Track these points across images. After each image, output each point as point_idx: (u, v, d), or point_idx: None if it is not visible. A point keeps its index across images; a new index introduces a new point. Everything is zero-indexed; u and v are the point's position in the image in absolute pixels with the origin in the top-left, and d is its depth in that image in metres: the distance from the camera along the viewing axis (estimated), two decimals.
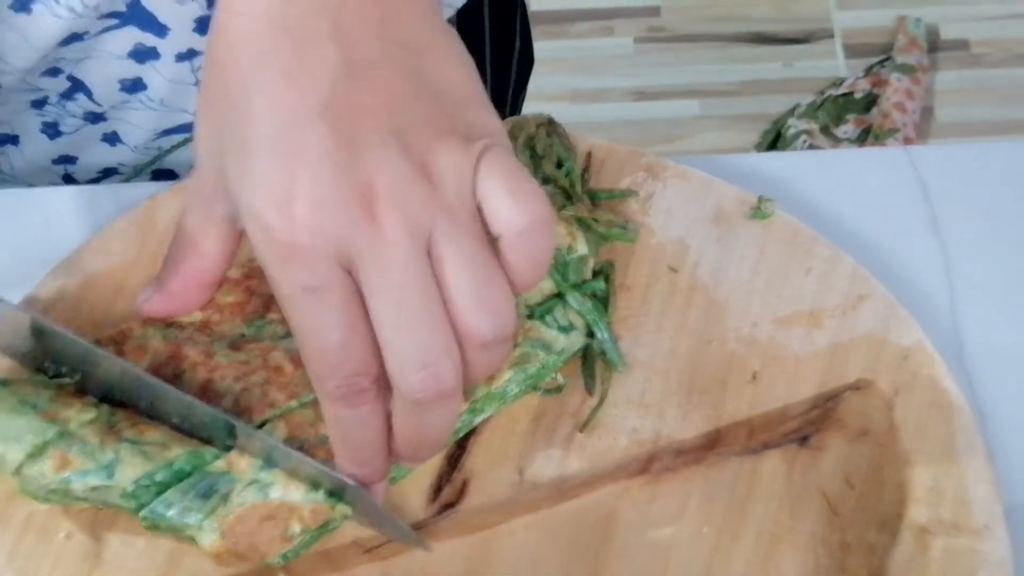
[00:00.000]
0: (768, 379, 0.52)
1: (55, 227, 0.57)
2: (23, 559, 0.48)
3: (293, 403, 0.48)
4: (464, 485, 0.49)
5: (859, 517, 0.49)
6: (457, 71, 0.43)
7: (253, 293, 0.51)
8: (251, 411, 0.48)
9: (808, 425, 0.51)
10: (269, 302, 0.51)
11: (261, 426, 0.48)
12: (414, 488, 0.49)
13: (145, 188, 0.58)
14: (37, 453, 0.47)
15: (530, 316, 0.51)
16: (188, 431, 0.48)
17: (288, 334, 0.50)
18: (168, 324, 0.51)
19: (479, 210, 0.42)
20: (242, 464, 0.47)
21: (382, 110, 0.41)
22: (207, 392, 0.48)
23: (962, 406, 0.51)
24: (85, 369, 0.49)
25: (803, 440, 0.51)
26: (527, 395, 0.51)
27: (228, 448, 0.47)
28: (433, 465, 0.50)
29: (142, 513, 0.47)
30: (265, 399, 0.48)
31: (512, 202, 0.41)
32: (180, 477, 0.47)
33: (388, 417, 0.44)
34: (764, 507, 0.49)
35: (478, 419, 0.50)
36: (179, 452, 0.47)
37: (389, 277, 0.40)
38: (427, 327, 0.41)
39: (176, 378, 0.49)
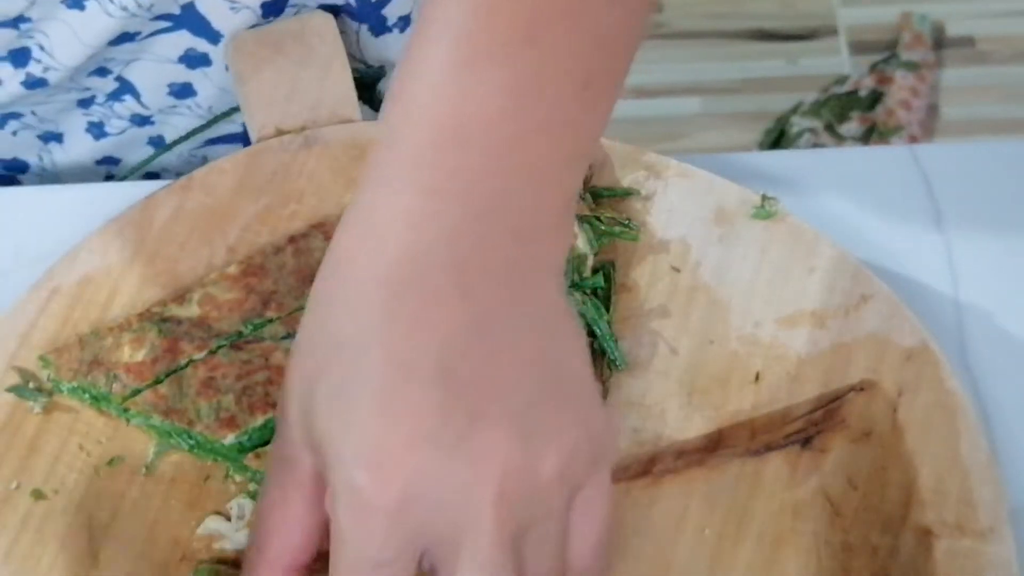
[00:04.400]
0: (770, 380, 0.51)
1: (53, 226, 0.56)
2: (19, 560, 0.48)
3: None
4: None
5: (862, 518, 0.49)
6: (578, 358, 0.40)
7: (252, 290, 0.51)
8: (253, 410, 0.48)
9: (811, 426, 0.51)
10: (268, 299, 0.51)
11: (263, 428, 0.48)
12: None
13: (142, 188, 0.57)
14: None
15: None
16: None
17: (289, 335, 0.50)
18: (164, 319, 0.51)
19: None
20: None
21: (506, 386, 0.38)
22: (208, 389, 0.48)
23: (966, 407, 0.50)
24: None
25: (806, 442, 0.50)
26: None
27: None
28: None
29: None
30: (267, 399, 0.48)
31: (594, 552, 0.40)
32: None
33: None
34: (766, 509, 0.49)
35: None
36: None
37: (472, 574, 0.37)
38: None
39: (175, 374, 0.49)
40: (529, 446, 0.37)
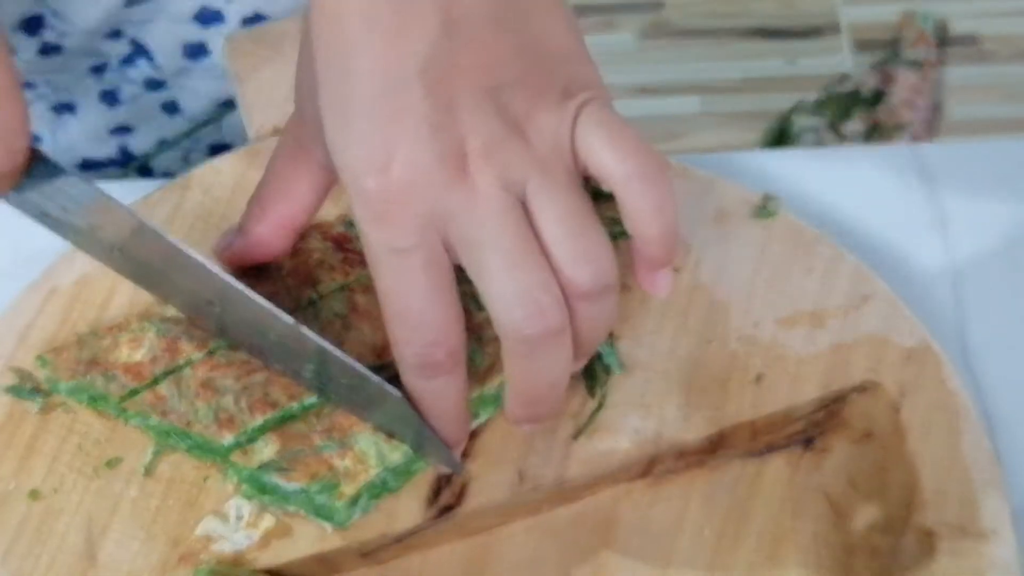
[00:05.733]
0: (771, 380, 0.51)
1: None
2: (17, 560, 0.48)
3: (294, 404, 0.48)
4: (463, 488, 0.49)
5: (863, 519, 0.48)
6: (557, 25, 0.44)
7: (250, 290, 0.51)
8: (252, 411, 0.48)
9: (812, 427, 0.50)
10: (269, 299, 0.51)
11: (262, 428, 0.48)
12: (413, 491, 0.49)
13: (140, 187, 0.57)
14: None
15: None
16: (277, 359, 0.49)
17: None
18: (163, 318, 0.51)
19: (584, 166, 0.43)
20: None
21: (479, 70, 0.42)
22: (207, 390, 0.48)
23: (968, 408, 0.50)
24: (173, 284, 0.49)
25: (807, 442, 0.50)
26: None
27: (320, 389, 0.48)
28: (433, 467, 0.49)
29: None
30: (266, 399, 0.48)
31: (612, 152, 0.43)
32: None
33: (464, 388, 0.46)
34: (766, 509, 0.49)
35: (474, 423, 0.50)
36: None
37: (484, 228, 0.41)
38: (526, 267, 0.41)
39: (174, 375, 0.49)
40: (505, 114, 0.42)
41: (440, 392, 0.45)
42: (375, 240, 0.43)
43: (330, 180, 0.47)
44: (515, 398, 0.45)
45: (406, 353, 0.44)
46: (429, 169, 0.41)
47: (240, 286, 0.47)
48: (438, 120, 0.41)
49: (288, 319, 0.47)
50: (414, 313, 0.43)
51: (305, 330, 0.47)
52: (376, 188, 0.42)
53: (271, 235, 0.49)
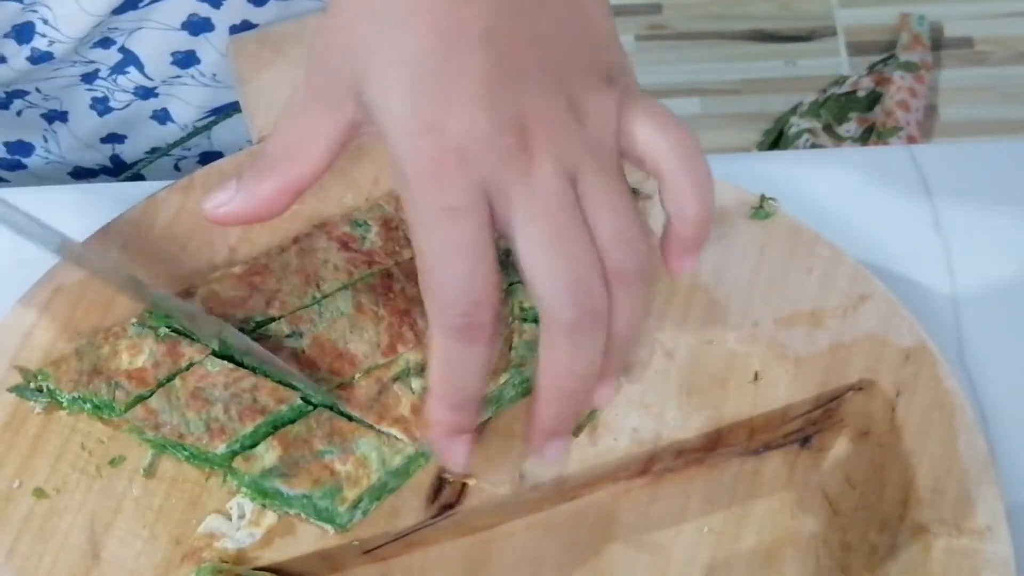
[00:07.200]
0: (769, 379, 0.51)
1: (53, 226, 0.56)
2: (21, 558, 0.48)
3: (283, 408, 0.48)
4: (464, 486, 0.49)
5: (860, 517, 0.49)
6: (601, 11, 0.44)
7: (255, 289, 0.51)
8: (242, 419, 0.48)
9: (809, 425, 0.51)
10: (271, 298, 0.51)
11: (253, 434, 0.48)
12: (414, 489, 0.49)
13: (143, 188, 0.58)
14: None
15: (524, 319, 0.51)
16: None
17: (293, 333, 0.50)
18: (168, 315, 0.51)
19: (626, 151, 0.43)
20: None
21: (542, 44, 0.42)
22: (197, 401, 0.48)
23: (964, 406, 0.50)
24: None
25: (804, 441, 0.50)
26: (528, 396, 0.51)
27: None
28: (432, 466, 0.50)
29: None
30: (255, 405, 0.48)
31: (664, 135, 0.43)
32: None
33: (490, 364, 0.44)
34: (765, 508, 0.49)
35: None
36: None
37: (541, 205, 0.41)
38: (578, 249, 0.41)
39: (166, 385, 0.49)
40: (565, 92, 0.42)
41: (471, 361, 0.43)
42: (425, 200, 0.41)
43: (350, 137, 0.45)
44: (546, 393, 0.44)
45: (449, 314, 0.42)
46: (486, 134, 0.41)
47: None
48: (501, 86, 0.41)
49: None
50: (463, 274, 0.41)
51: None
52: (430, 147, 0.41)
53: (275, 195, 0.45)
